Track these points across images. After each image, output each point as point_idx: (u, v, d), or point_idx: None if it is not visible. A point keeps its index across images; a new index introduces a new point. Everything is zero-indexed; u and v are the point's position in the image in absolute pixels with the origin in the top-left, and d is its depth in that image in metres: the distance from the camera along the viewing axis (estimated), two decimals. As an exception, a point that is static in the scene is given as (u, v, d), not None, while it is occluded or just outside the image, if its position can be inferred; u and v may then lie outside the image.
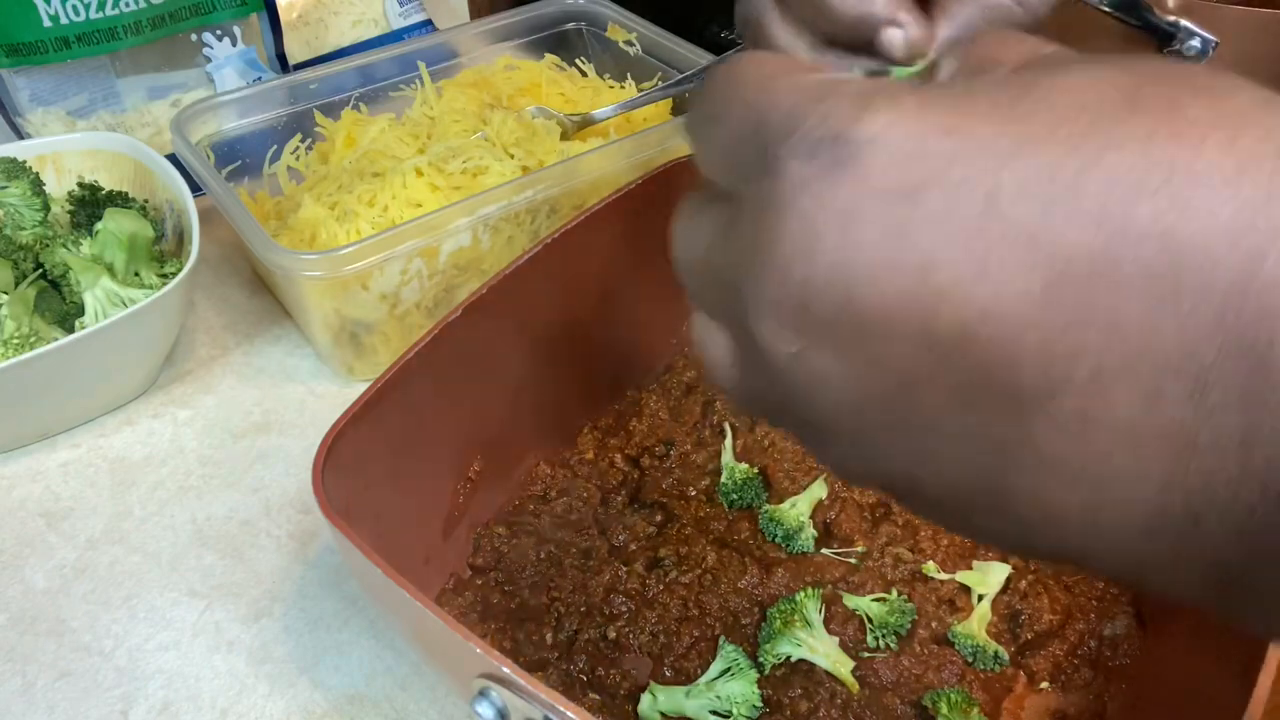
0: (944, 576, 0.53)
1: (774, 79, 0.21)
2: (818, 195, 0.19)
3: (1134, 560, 0.19)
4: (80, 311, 0.62)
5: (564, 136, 0.73)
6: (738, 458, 0.59)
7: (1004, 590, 0.52)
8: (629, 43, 0.82)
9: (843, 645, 0.49)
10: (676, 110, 0.77)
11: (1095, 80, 0.19)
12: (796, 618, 0.49)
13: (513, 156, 0.69)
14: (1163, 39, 0.59)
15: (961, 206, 0.18)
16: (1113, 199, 0.17)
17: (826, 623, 0.50)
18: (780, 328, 0.20)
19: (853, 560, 0.54)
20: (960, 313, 0.18)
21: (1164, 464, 0.18)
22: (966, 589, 0.53)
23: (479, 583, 0.53)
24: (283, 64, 0.83)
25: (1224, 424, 0.17)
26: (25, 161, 0.67)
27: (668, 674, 0.49)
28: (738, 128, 0.21)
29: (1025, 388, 0.18)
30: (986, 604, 0.52)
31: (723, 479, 0.57)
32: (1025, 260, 0.17)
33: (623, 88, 0.81)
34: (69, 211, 0.67)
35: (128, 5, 0.73)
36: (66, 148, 0.70)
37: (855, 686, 0.48)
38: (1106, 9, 0.57)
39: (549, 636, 0.50)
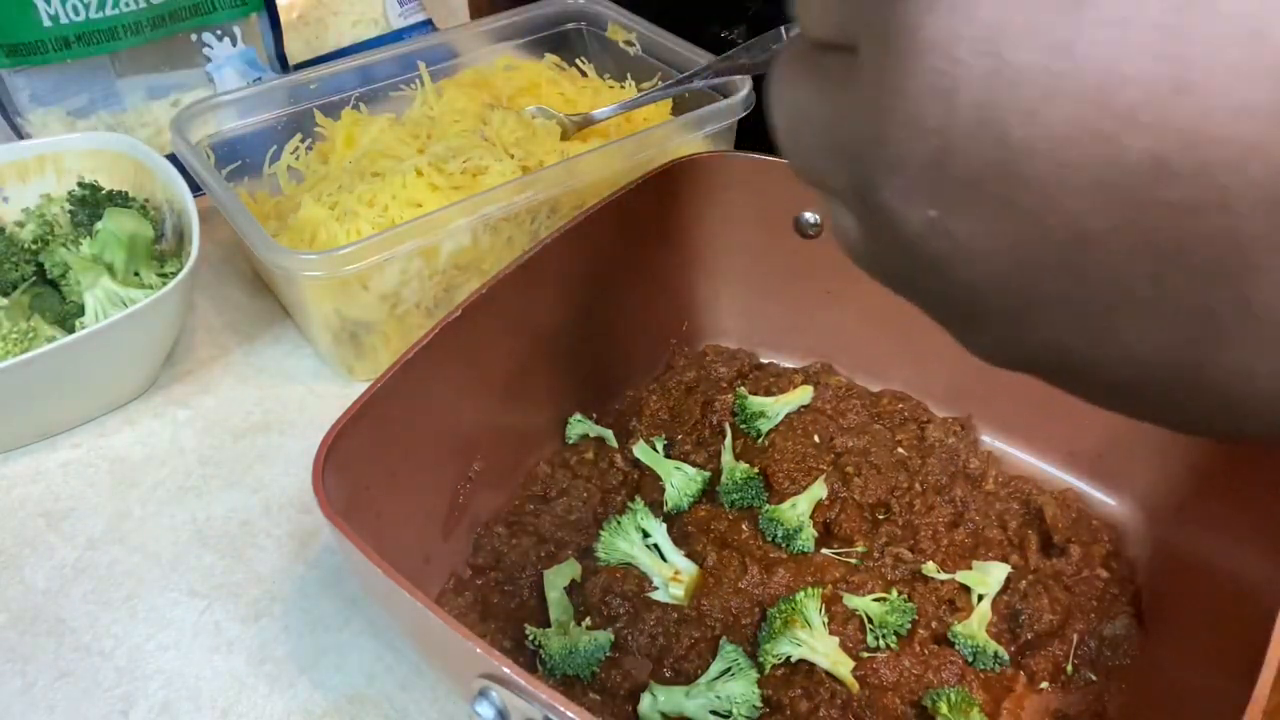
0: (944, 576, 0.53)
1: None
2: (951, 12, 0.15)
3: None
4: (80, 311, 0.62)
5: (564, 136, 0.73)
6: (738, 458, 0.59)
7: (1004, 590, 0.52)
8: (629, 43, 0.82)
9: (843, 645, 0.49)
10: (677, 110, 0.77)
11: None
12: (796, 618, 0.49)
13: (513, 156, 0.69)
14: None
15: None
16: None
17: (826, 623, 0.50)
18: (911, 191, 0.16)
19: (853, 560, 0.54)
20: (1156, 142, 0.14)
21: None
22: (966, 589, 0.53)
23: (479, 583, 0.53)
24: (283, 64, 0.83)
25: None
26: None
27: (668, 674, 0.49)
28: None
29: (1244, 236, 0.14)
30: (986, 604, 0.52)
31: (723, 479, 0.57)
32: (1247, 62, 0.13)
33: (623, 88, 0.81)
34: (69, 211, 0.67)
35: (128, 5, 0.73)
36: (66, 148, 0.70)
37: (855, 686, 0.48)
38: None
39: (549, 636, 0.50)
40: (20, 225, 0.68)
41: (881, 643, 0.50)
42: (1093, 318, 0.16)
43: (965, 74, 0.15)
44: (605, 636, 0.49)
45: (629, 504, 0.56)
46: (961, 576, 0.53)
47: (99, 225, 0.64)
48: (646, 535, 0.54)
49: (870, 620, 0.51)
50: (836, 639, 0.50)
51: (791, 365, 0.66)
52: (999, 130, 0.15)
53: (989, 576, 0.53)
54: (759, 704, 0.47)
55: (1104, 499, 0.58)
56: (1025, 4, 0.14)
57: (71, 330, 0.62)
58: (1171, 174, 0.14)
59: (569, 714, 0.33)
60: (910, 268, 0.18)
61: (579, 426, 0.60)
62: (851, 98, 0.17)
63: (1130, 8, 0.14)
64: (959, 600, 0.52)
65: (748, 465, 0.58)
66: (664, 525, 0.54)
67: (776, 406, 0.61)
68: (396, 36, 0.92)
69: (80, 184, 0.67)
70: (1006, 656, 0.50)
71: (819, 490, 0.56)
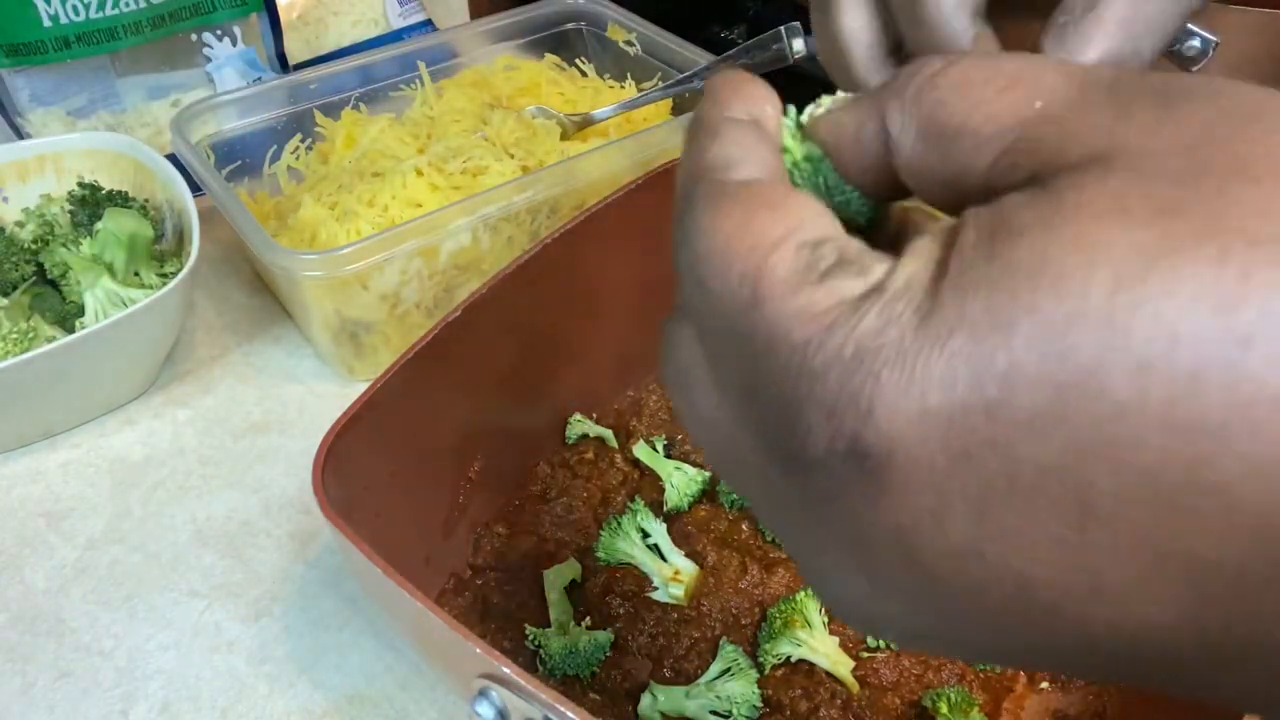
0: (944, 576, 0.53)
1: (757, 302, 0.17)
2: (859, 513, 0.15)
3: None
4: (80, 311, 0.62)
5: (564, 136, 0.73)
6: (738, 458, 0.59)
7: (1004, 590, 0.52)
8: (629, 43, 0.82)
9: (843, 645, 0.49)
10: (677, 110, 0.77)
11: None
12: (796, 618, 0.49)
13: (513, 156, 0.69)
14: (1163, 39, 0.59)
15: (1042, 512, 0.14)
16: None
17: (826, 623, 0.50)
18: (858, 624, 0.18)
19: (853, 560, 0.54)
20: (1084, 630, 0.15)
21: None
22: (966, 589, 0.53)
23: (479, 583, 0.53)
24: (283, 64, 0.83)
25: None
26: None
27: (668, 674, 0.49)
28: (738, 386, 0.18)
29: (1185, 680, 0.15)
30: (986, 604, 0.52)
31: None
32: (1154, 567, 0.14)
33: (623, 88, 0.81)
34: (69, 211, 0.67)
35: (128, 5, 0.73)
36: (66, 148, 0.70)
37: (855, 686, 0.48)
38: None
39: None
40: (20, 225, 0.68)
41: (881, 642, 0.50)
42: (1045, 663, 0.17)
43: (885, 566, 0.16)
44: (605, 636, 0.49)
45: (629, 504, 0.56)
46: (961, 576, 0.53)
47: (99, 225, 0.64)
48: (646, 535, 0.54)
49: (870, 620, 0.51)
50: (836, 639, 0.50)
51: (791, 365, 0.66)
52: (935, 607, 0.16)
53: (989, 576, 0.53)
54: (759, 704, 0.47)
55: (1104, 499, 0.58)
56: (926, 514, 0.15)
57: (71, 330, 0.62)
58: (1105, 652, 0.15)
59: (569, 714, 0.33)
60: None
61: (579, 426, 0.60)
62: (780, 506, 0.19)
63: (1026, 521, 0.14)
64: (959, 600, 0.52)
65: (748, 465, 0.58)
66: (664, 525, 0.54)
67: (776, 406, 0.61)
68: (396, 36, 0.92)
69: (80, 184, 0.67)
70: (1006, 656, 0.50)
71: (819, 490, 0.56)
